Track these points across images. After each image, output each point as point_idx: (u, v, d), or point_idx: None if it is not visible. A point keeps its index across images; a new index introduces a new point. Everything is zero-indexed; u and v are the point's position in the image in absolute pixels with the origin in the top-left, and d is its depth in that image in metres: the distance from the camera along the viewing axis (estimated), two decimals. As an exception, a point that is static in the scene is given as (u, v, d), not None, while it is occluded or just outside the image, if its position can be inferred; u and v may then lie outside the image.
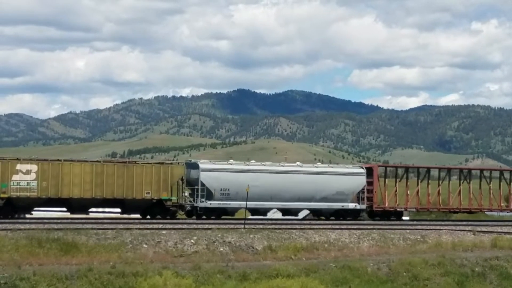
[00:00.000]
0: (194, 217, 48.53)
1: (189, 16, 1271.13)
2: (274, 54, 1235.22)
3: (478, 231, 44.43)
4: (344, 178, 53.57)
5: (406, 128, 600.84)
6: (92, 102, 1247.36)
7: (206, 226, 40.36)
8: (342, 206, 52.71)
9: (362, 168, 55.53)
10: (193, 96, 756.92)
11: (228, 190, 49.04)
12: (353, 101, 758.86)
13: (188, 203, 48.51)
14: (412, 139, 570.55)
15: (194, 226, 40.36)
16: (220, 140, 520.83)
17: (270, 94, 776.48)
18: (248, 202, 47.99)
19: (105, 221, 43.33)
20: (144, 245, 34.42)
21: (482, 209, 60.09)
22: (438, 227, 46.71)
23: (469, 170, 61.64)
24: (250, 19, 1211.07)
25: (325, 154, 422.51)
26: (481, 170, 62.10)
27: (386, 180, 57.71)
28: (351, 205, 53.29)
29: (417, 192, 57.56)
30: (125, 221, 43.73)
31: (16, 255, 29.96)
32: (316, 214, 54.84)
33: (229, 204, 49.18)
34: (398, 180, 57.03)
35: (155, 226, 39.57)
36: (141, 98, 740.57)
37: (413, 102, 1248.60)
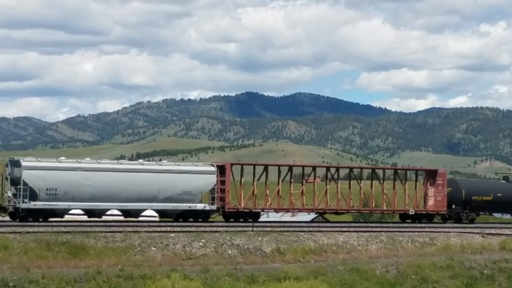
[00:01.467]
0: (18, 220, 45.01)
1: (197, 19, 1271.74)
2: (282, 57, 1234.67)
3: (486, 234, 44.38)
4: (191, 177, 49.92)
5: (415, 131, 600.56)
6: (100, 105, 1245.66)
7: (214, 229, 40.50)
8: (190, 207, 48.77)
9: (213, 166, 51.53)
10: (201, 99, 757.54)
11: (56, 190, 46.01)
12: (361, 103, 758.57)
13: (12, 204, 45.06)
14: (420, 142, 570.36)
15: (202, 229, 40.53)
16: (228, 143, 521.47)
17: (278, 96, 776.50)
18: (80, 203, 46.34)
19: (114, 224, 43.45)
20: (153, 248, 34.50)
21: (349, 210, 56.84)
22: (446, 230, 46.71)
23: (337, 168, 58.45)
24: (258, 22, 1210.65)
25: (333, 157, 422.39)
26: (351, 169, 58.80)
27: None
28: (200, 206, 49.45)
29: (278, 192, 53.81)
30: (133, 224, 43.88)
31: (25, 258, 30.05)
32: (161, 215, 52.22)
33: (57, 205, 45.69)
34: (256, 179, 53.23)
35: (164, 229, 39.73)
36: (149, 101, 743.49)
37: (421, 105, 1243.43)
